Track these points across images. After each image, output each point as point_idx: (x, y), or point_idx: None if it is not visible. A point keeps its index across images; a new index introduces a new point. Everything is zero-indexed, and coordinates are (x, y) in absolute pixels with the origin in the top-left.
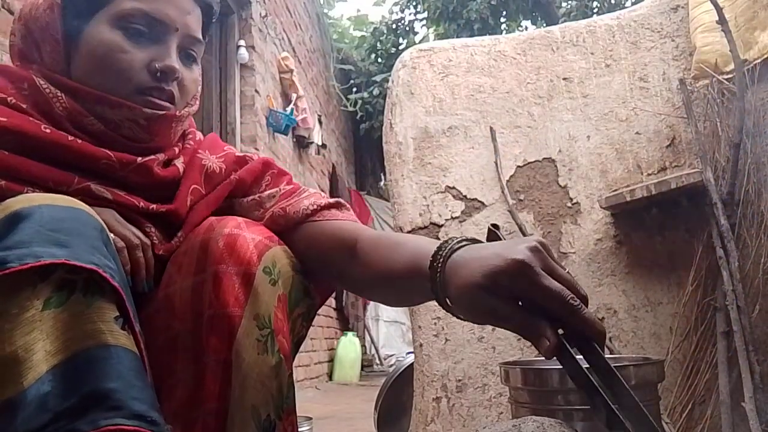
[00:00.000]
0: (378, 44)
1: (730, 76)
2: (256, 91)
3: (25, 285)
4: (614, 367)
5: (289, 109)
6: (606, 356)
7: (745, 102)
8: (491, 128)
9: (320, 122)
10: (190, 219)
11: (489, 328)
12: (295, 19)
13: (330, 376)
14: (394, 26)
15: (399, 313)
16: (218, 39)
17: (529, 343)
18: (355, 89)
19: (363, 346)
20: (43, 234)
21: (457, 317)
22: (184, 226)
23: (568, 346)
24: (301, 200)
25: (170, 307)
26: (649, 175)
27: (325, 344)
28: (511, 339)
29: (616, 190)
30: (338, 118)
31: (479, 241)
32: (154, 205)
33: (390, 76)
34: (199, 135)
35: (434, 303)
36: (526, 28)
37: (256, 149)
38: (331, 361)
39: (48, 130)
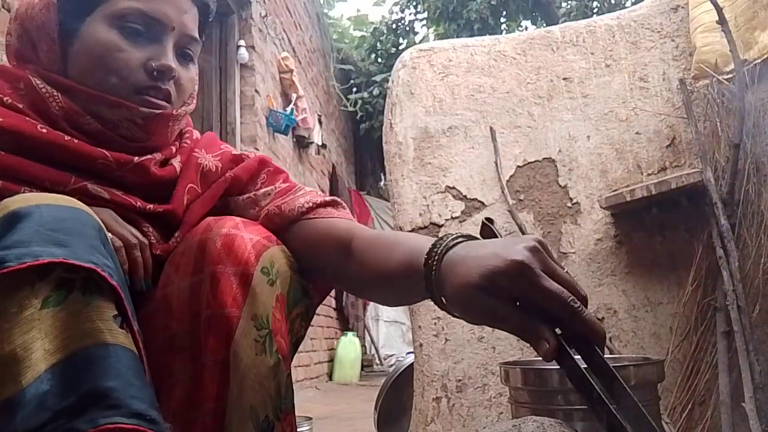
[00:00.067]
0: (378, 44)
1: (730, 76)
2: (256, 91)
3: (23, 284)
4: (614, 367)
5: (289, 109)
6: (606, 356)
7: (745, 102)
8: (491, 128)
9: (320, 122)
10: (187, 218)
11: (489, 328)
12: (295, 19)
13: (330, 376)
14: (394, 26)
15: (399, 313)
16: (218, 39)
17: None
18: (355, 89)
19: (363, 346)
20: (42, 233)
21: (453, 316)
22: (181, 226)
23: (567, 347)
24: (296, 198)
25: (168, 308)
26: (649, 175)
27: (325, 344)
28: (511, 339)
29: (616, 190)
30: (338, 118)
31: (475, 238)
32: (151, 205)
33: (390, 76)
34: (196, 134)
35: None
36: (526, 28)
37: (256, 149)
38: (331, 361)
39: (44, 130)
